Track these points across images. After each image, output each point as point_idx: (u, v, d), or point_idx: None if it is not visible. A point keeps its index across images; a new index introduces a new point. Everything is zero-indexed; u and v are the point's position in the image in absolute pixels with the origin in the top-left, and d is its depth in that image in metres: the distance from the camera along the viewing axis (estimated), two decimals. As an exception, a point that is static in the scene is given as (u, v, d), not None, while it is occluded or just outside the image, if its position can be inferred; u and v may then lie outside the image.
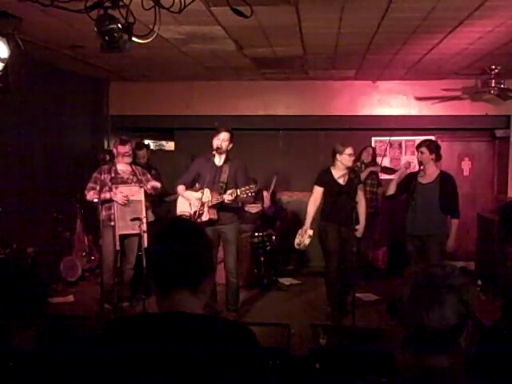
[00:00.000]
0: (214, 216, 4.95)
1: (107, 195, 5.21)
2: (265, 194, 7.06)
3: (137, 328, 1.52)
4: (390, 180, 5.64)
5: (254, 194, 4.90)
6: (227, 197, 4.80)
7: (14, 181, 5.80)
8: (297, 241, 5.29)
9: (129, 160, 5.39)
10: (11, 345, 3.76)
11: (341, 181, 5.17)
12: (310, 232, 5.20)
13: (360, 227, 5.17)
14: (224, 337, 1.49)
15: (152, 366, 1.43)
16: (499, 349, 2.15)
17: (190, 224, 1.72)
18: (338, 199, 5.07)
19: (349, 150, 5.08)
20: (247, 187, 4.79)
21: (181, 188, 5.13)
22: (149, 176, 5.56)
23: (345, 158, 5.11)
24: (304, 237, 5.21)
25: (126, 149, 5.32)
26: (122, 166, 5.38)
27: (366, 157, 6.72)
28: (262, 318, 5.18)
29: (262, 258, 6.63)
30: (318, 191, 5.25)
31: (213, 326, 1.52)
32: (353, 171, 5.30)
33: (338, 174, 5.17)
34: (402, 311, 1.40)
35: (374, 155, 6.91)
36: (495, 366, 2.06)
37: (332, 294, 5.28)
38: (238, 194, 4.78)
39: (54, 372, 3.16)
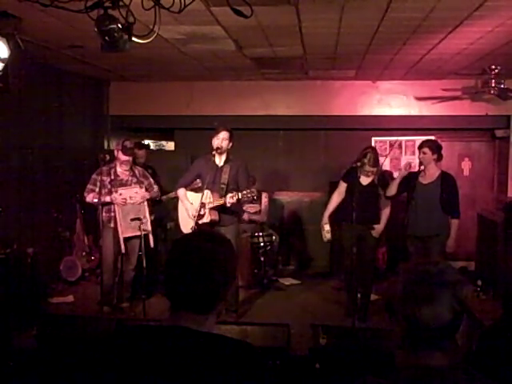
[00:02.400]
0: (216, 217, 4.94)
1: (107, 198, 5.21)
2: (263, 196, 7.02)
3: (139, 338, 1.49)
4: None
5: (255, 197, 4.89)
6: (229, 200, 4.78)
7: (13, 181, 5.80)
8: (325, 234, 5.37)
9: (127, 167, 5.40)
10: (11, 345, 3.76)
11: (364, 181, 5.20)
12: (327, 227, 5.30)
13: (379, 227, 5.25)
14: (225, 359, 1.42)
15: (148, 376, 1.42)
16: (500, 347, 2.15)
17: (212, 242, 1.54)
18: (357, 198, 4.98)
19: (364, 177, 5.22)
20: (249, 191, 4.77)
21: (181, 192, 5.13)
22: (151, 180, 5.57)
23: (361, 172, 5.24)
24: (323, 232, 5.32)
25: (126, 158, 5.34)
26: (122, 168, 5.40)
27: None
28: (262, 318, 5.17)
29: (262, 258, 6.62)
30: (342, 186, 5.41)
31: (215, 346, 1.45)
32: (382, 175, 5.37)
33: (363, 174, 5.22)
34: (396, 308, 1.40)
35: (376, 156, 6.88)
36: (495, 364, 2.06)
37: (349, 290, 5.31)
38: (240, 197, 4.76)
39: (53, 372, 3.16)
